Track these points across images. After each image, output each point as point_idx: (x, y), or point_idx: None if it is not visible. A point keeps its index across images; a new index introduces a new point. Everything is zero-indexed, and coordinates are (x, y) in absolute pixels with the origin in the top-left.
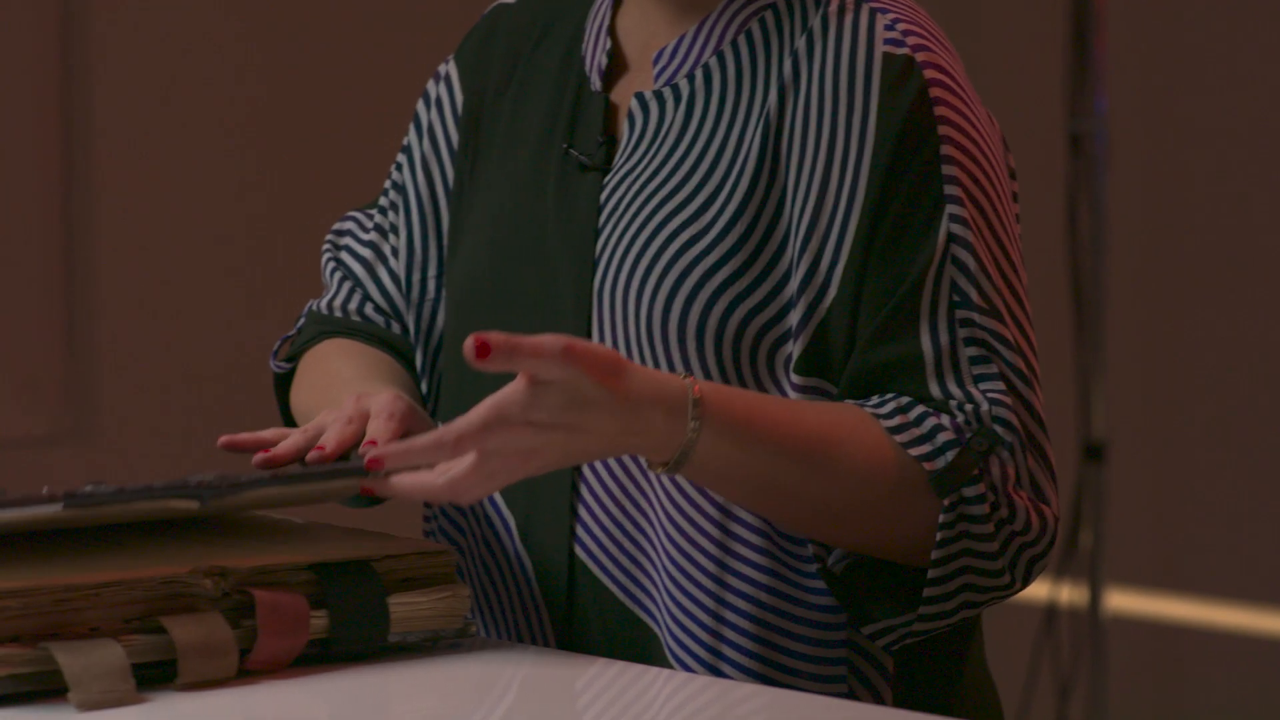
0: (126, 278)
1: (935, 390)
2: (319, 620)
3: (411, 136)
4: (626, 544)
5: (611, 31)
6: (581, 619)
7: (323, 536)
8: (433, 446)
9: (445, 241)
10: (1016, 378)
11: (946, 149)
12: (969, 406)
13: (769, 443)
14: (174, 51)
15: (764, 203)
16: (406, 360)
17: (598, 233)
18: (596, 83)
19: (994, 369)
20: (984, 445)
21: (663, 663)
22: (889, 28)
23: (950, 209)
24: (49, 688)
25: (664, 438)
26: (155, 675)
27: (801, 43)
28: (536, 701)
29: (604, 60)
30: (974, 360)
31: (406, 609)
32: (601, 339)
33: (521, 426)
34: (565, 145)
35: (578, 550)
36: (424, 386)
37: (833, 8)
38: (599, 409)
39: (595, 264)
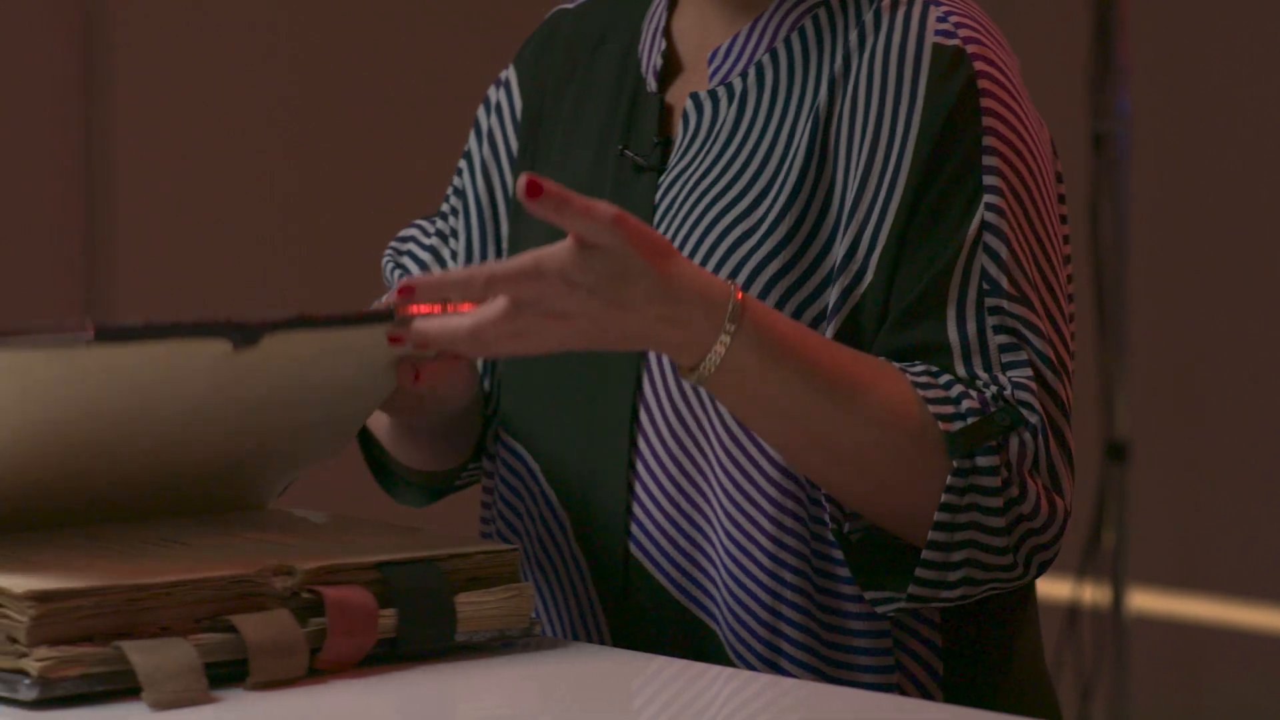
0: (147, 279)
1: (962, 372)
2: (387, 619)
3: (472, 142)
4: (683, 542)
5: (667, 33)
6: (637, 618)
7: (387, 536)
8: (463, 281)
9: (504, 246)
10: (1045, 367)
11: (989, 140)
12: (993, 388)
13: (799, 366)
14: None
15: (812, 196)
16: None
17: None
18: (652, 84)
19: (1023, 356)
20: (1006, 421)
21: (722, 661)
22: (941, 20)
23: (988, 198)
24: (121, 687)
25: (699, 334)
26: (225, 674)
27: (854, 37)
28: (603, 701)
29: (659, 61)
30: (1003, 348)
31: (473, 608)
32: None
33: (559, 283)
34: (621, 147)
35: (633, 549)
36: (486, 384)
37: (885, 3)
38: (642, 285)
39: None
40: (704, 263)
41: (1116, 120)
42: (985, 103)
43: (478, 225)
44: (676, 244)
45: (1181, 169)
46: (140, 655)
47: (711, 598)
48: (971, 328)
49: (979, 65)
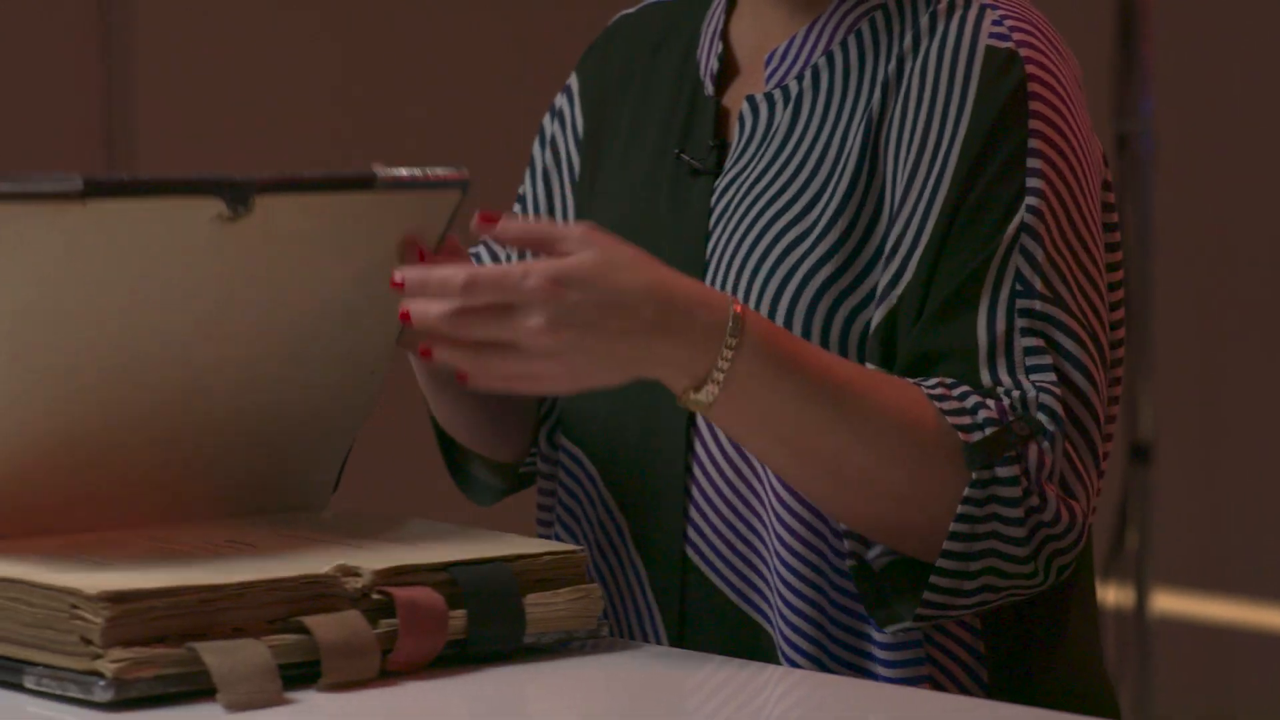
0: None
1: (985, 377)
2: (456, 620)
3: (535, 148)
4: (739, 545)
5: (725, 35)
6: (695, 621)
7: (452, 536)
8: (442, 281)
9: None
10: (1074, 369)
11: (1035, 142)
12: (1016, 394)
13: (807, 380)
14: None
15: (864, 201)
16: None
17: (708, 237)
18: (709, 87)
19: (1048, 360)
20: (1025, 430)
21: (774, 663)
22: (997, 23)
23: (1029, 200)
24: (195, 688)
25: (700, 347)
26: (296, 676)
27: (908, 41)
28: (671, 702)
29: (715, 65)
30: (1029, 350)
31: (542, 610)
32: None
33: (549, 284)
34: (678, 151)
35: (690, 553)
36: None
37: (941, 6)
38: (638, 285)
39: (705, 268)
40: (756, 269)
41: (1140, 120)
42: (1034, 105)
43: None
44: (730, 249)
45: (1205, 169)
46: (215, 656)
47: (766, 599)
48: (1000, 327)
49: (1031, 69)
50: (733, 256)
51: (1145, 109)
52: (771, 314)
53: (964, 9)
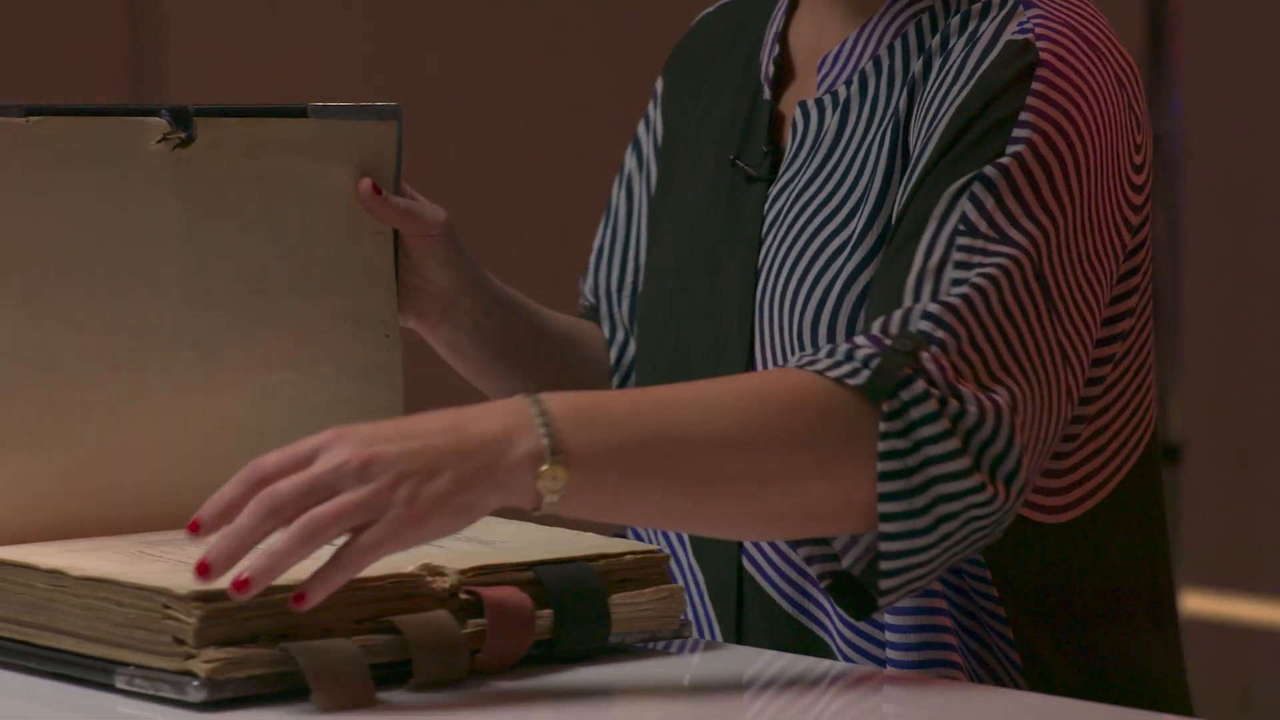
0: None
1: (908, 300)
2: (543, 620)
3: (627, 152)
4: (794, 557)
5: (784, 38)
6: (750, 630)
7: (531, 535)
8: (230, 497)
9: (638, 253)
10: (989, 285)
11: (1027, 115)
12: (896, 314)
13: (633, 410)
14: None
15: (896, 203)
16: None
17: (760, 243)
18: (766, 91)
19: (963, 285)
20: (908, 345)
21: None
22: (1024, 22)
23: (998, 160)
24: (286, 689)
25: (508, 437)
26: (385, 675)
27: (937, 40)
28: (760, 702)
29: (771, 69)
30: (955, 281)
31: (626, 609)
32: (763, 350)
33: (352, 456)
34: (733, 156)
35: (746, 564)
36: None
37: (977, 6)
38: (422, 424)
39: (757, 277)
40: (801, 280)
41: (1170, 120)
42: (1037, 86)
43: (612, 230)
44: (778, 258)
45: (1235, 169)
46: (307, 657)
47: (823, 609)
48: (935, 259)
49: (1044, 55)
50: (781, 265)
51: (1175, 109)
52: (815, 326)
53: (999, 9)
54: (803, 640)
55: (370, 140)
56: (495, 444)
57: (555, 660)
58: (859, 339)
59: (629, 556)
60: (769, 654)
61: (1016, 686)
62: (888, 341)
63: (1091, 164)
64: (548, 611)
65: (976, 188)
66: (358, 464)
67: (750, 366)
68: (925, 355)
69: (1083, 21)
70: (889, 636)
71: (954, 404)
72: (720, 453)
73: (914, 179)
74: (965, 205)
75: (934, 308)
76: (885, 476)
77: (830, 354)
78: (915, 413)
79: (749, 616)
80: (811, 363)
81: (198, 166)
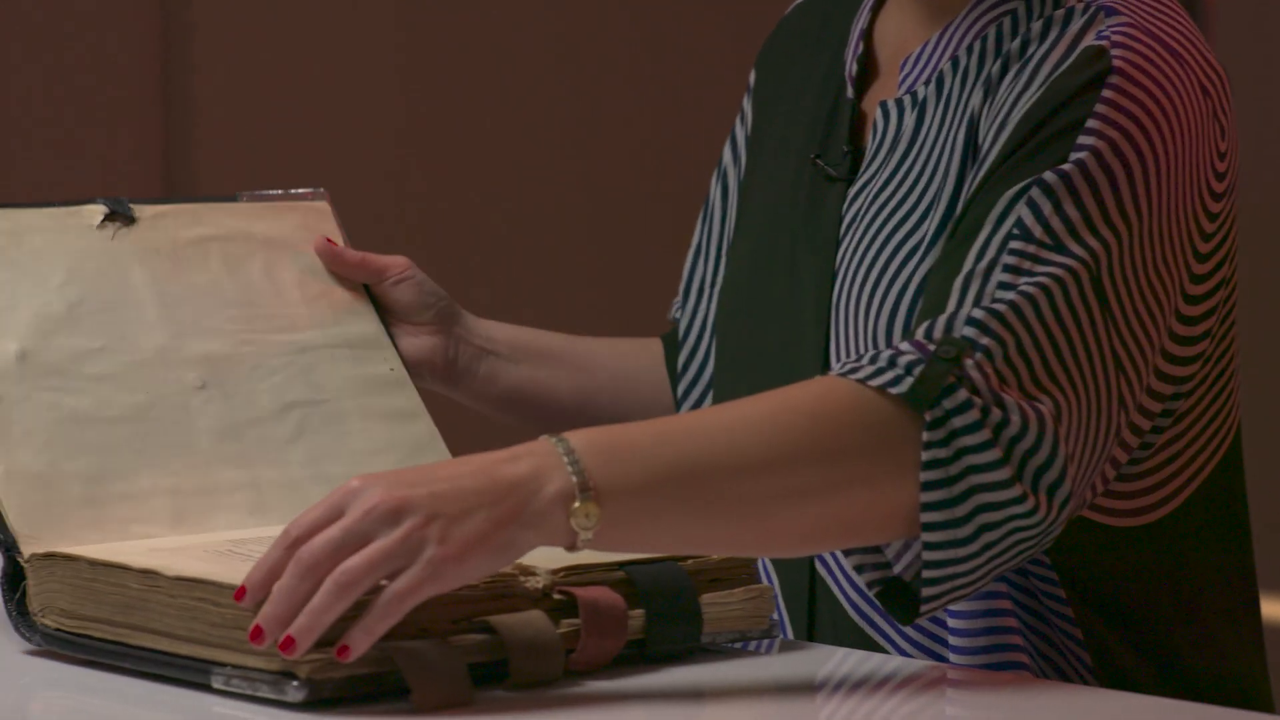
0: None
1: (953, 302)
2: (635, 620)
3: (725, 145)
4: None
5: (869, 36)
6: (821, 635)
7: None
8: (269, 565)
9: (724, 249)
10: (1040, 293)
11: (1094, 123)
12: (941, 318)
13: (665, 439)
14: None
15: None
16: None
17: (838, 244)
18: (849, 90)
19: (1009, 294)
20: (951, 351)
21: None
22: (1102, 30)
23: (1060, 166)
24: (384, 689)
25: (537, 478)
26: (481, 675)
27: (1017, 44)
28: (852, 703)
29: (855, 67)
30: (1002, 285)
31: (717, 609)
32: (838, 352)
33: (383, 504)
34: (815, 156)
35: (819, 568)
36: (680, 388)
37: (1059, 12)
38: (453, 472)
39: (834, 278)
40: (876, 282)
41: None
42: (1108, 94)
43: (707, 231)
44: (855, 259)
45: (1273, 166)
46: (406, 657)
47: (891, 623)
48: (986, 261)
49: (1119, 63)
50: (857, 268)
51: None
52: (889, 330)
53: (1081, 15)
54: (864, 645)
55: (308, 213)
56: (525, 485)
57: (648, 660)
58: (903, 344)
59: (717, 556)
60: (859, 653)
61: (1085, 684)
62: (931, 347)
63: (1164, 172)
64: (639, 611)
65: (1035, 192)
66: (387, 508)
67: (825, 367)
68: (969, 362)
69: (1166, 29)
70: (953, 640)
71: (997, 413)
72: (752, 474)
73: (977, 180)
74: (1022, 209)
75: (979, 313)
76: (927, 486)
77: (873, 360)
78: (958, 421)
79: (820, 619)
80: (854, 370)
81: (145, 238)
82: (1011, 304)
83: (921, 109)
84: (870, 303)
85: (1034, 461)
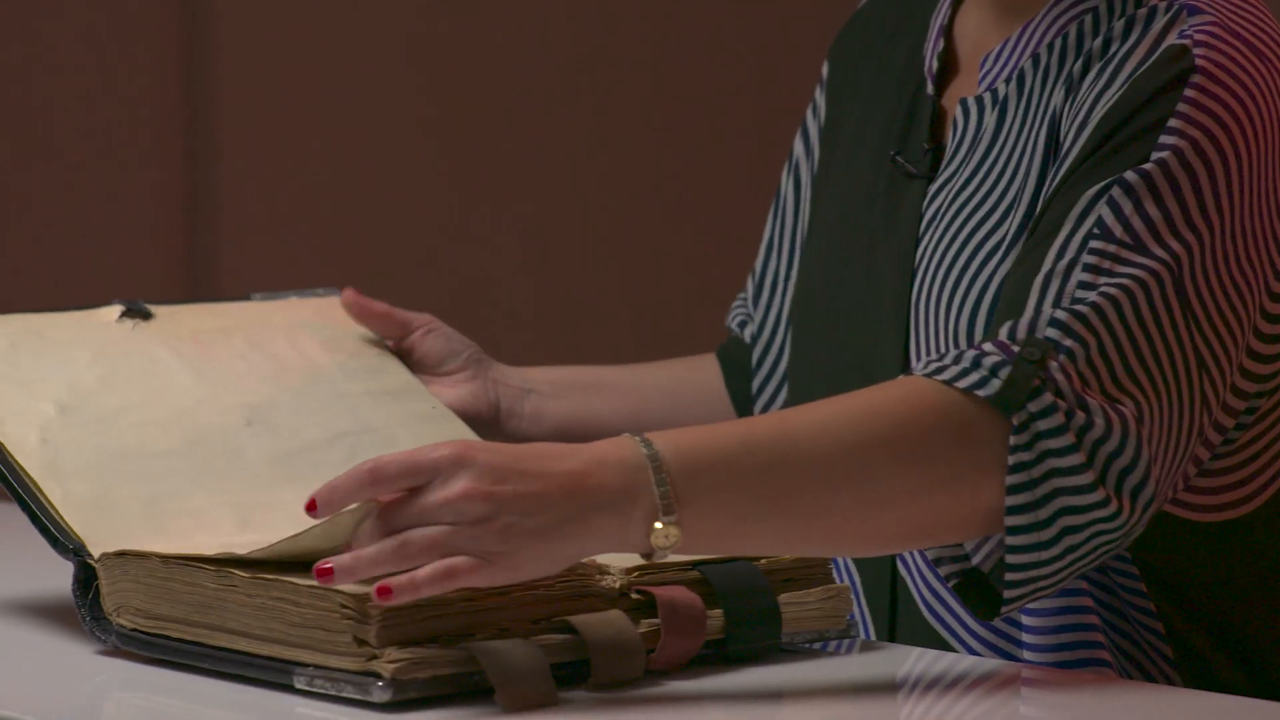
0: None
1: (1032, 301)
2: (714, 620)
3: (796, 138)
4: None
5: (949, 32)
6: (902, 633)
7: None
8: (349, 483)
9: (797, 242)
10: (1122, 294)
11: (1177, 122)
12: (1024, 319)
13: (750, 443)
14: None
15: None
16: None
17: (918, 242)
18: (929, 87)
19: (1090, 295)
20: (1036, 354)
21: None
22: (1185, 29)
23: (1141, 165)
24: (467, 689)
25: (626, 494)
26: (561, 675)
27: (1098, 45)
28: (931, 703)
29: (935, 64)
30: (1082, 285)
31: (795, 609)
32: (917, 350)
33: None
34: (894, 153)
35: (900, 568)
36: (755, 384)
37: (1142, 11)
38: (517, 452)
39: (913, 275)
40: (957, 281)
41: None
42: (1190, 93)
43: (779, 225)
44: (935, 257)
45: None
46: (491, 657)
47: (954, 614)
48: (1065, 260)
49: (1201, 62)
50: (937, 266)
51: None
52: (970, 328)
53: (1164, 14)
54: (937, 644)
55: (323, 304)
56: (613, 503)
57: (726, 661)
58: (986, 345)
59: (791, 556)
60: (935, 653)
61: (1169, 682)
62: (1016, 349)
63: (1246, 171)
64: (718, 611)
65: (1116, 192)
66: (470, 500)
67: (905, 366)
68: (1053, 364)
69: (1250, 28)
70: (1027, 639)
71: (1080, 416)
72: (838, 481)
73: (1058, 179)
74: (1103, 209)
75: (1062, 314)
76: (1012, 489)
77: (957, 360)
78: (1042, 425)
79: (901, 617)
80: (939, 370)
81: (164, 330)
82: (1094, 305)
83: (1003, 107)
84: (951, 301)
85: (1118, 464)
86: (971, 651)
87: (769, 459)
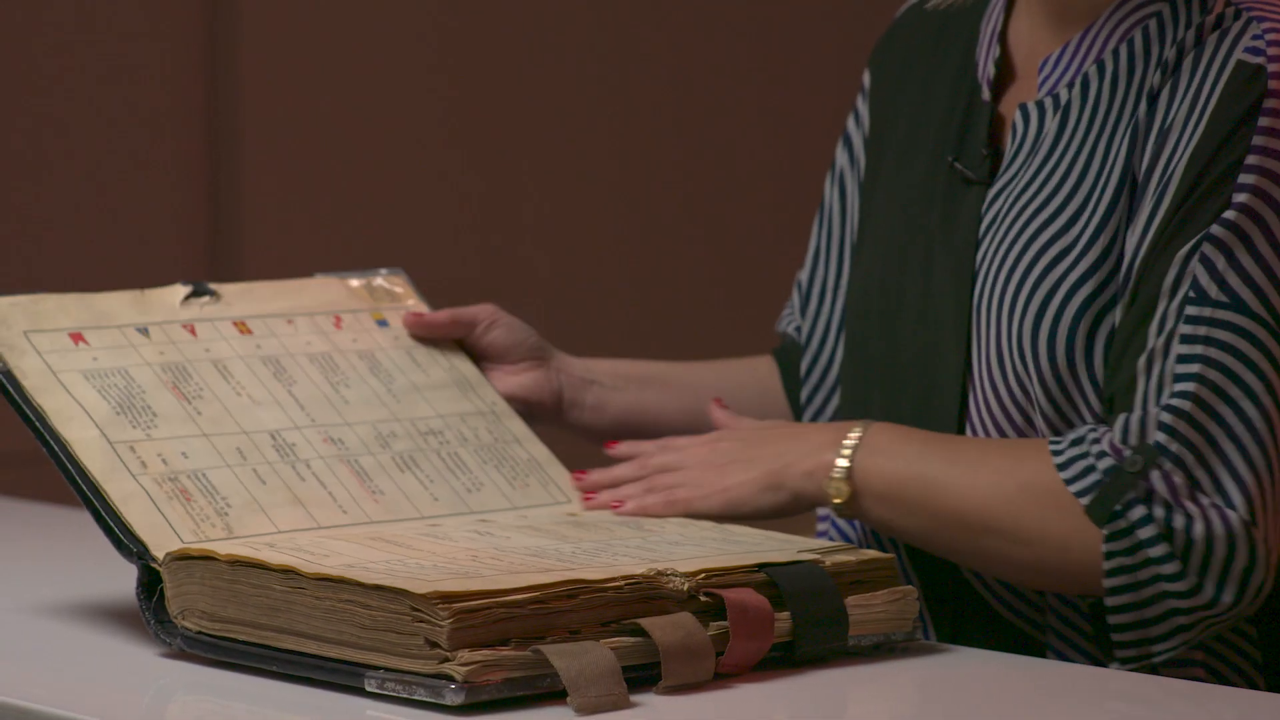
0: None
1: (1141, 385)
2: (781, 623)
3: (838, 147)
4: None
5: (1004, 37)
6: (966, 634)
7: (747, 539)
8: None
9: (845, 252)
10: (1229, 357)
11: (1254, 158)
12: (1136, 415)
13: (924, 442)
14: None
15: (1125, 217)
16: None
17: (977, 246)
18: (985, 92)
19: (1197, 354)
20: (1139, 464)
21: None
22: (1257, 37)
23: (1225, 214)
24: (538, 691)
25: (827, 435)
26: (631, 677)
27: (1171, 54)
28: (999, 705)
29: (991, 70)
30: (1182, 359)
31: (862, 611)
32: (978, 353)
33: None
34: (951, 158)
35: (966, 572)
36: (804, 392)
37: (1210, 19)
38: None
39: (974, 279)
40: (1020, 285)
41: None
42: (1264, 121)
43: (826, 234)
44: (996, 261)
45: None
46: (563, 659)
47: (1039, 609)
48: (1165, 334)
49: (1273, 84)
50: (999, 269)
51: None
52: (1035, 331)
53: (1232, 21)
54: (1021, 644)
55: (384, 287)
56: (826, 447)
57: (794, 663)
58: (1104, 442)
59: (855, 559)
60: (999, 655)
61: (1253, 685)
62: (1126, 452)
63: None
64: (785, 613)
65: (1207, 249)
66: (704, 443)
67: (966, 370)
68: (1155, 474)
69: None
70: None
71: (1180, 523)
72: (963, 518)
73: (1151, 232)
74: (1196, 269)
75: (1167, 417)
76: (1113, 592)
77: (1075, 444)
78: (1141, 534)
79: (967, 621)
80: (1057, 454)
81: (230, 310)
82: (1194, 395)
83: (1065, 112)
84: (1015, 304)
85: (1235, 566)
86: (1061, 656)
87: (933, 473)
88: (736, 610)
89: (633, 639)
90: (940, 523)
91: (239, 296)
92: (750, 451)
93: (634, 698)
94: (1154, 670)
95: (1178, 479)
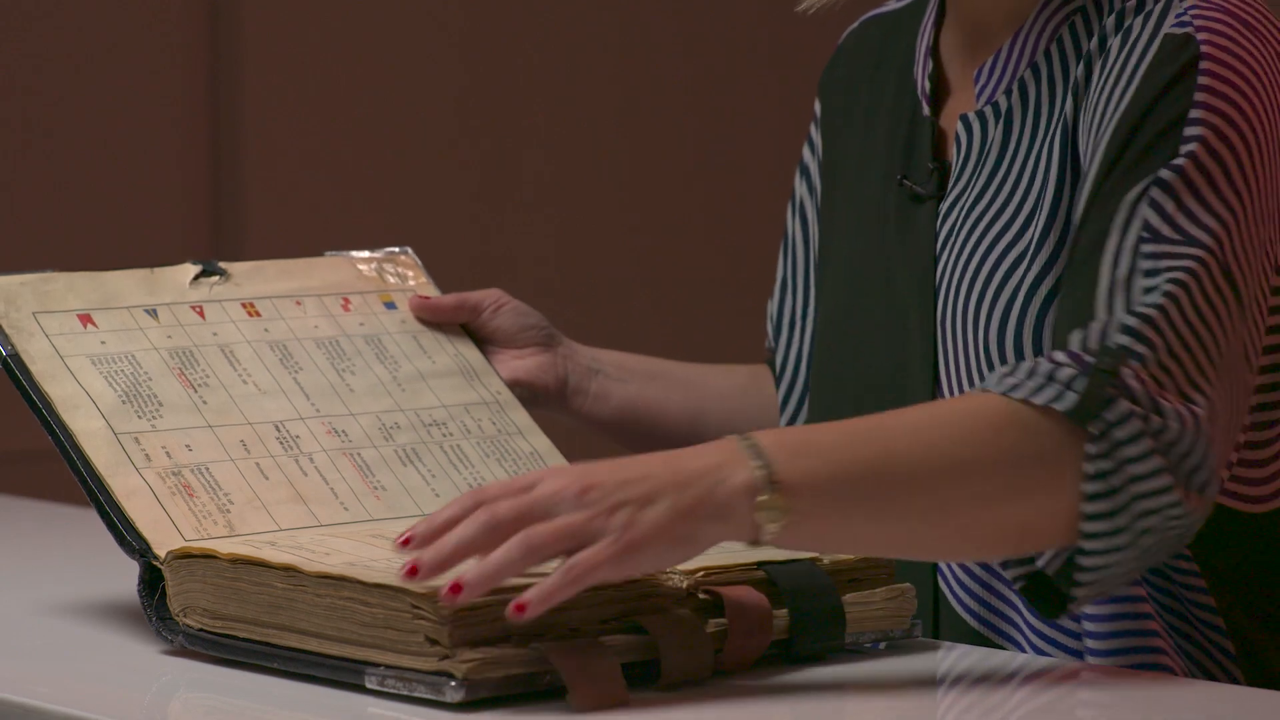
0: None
1: (1101, 314)
2: (779, 620)
3: (796, 178)
4: (983, 576)
5: (935, 52)
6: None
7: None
8: (454, 517)
9: (812, 279)
10: (1180, 290)
11: (1198, 112)
12: (1095, 325)
13: (860, 445)
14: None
15: (1070, 210)
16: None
17: (936, 261)
18: (925, 108)
19: (1157, 284)
20: (1109, 363)
21: None
22: (1180, 14)
23: (1174, 161)
24: (538, 689)
25: (722, 469)
26: (630, 675)
27: (1094, 42)
28: (996, 701)
29: (927, 85)
30: (1146, 289)
31: (859, 609)
32: (947, 367)
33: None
34: (900, 176)
35: (940, 584)
36: (782, 419)
37: (1130, 3)
38: (639, 463)
39: (936, 294)
40: (982, 294)
41: None
42: (1204, 80)
43: (791, 265)
44: (956, 273)
45: None
46: (563, 657)
47: (1010, 621)
48: (1123, 270)
49: (1206, 48)
50: (959, 282)
51: None
52: (1000, 339)
53: (1154, 3)
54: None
55: (391, 268)
56: (711, 474)
57: (791, 661)
58: (1059, 356)
59: (853, 558)
60: (1003, 654)
61: (1231, 678)
62: (1089, 359)
63: (1264, 149)
64: (783, 611)
65: (1155, 192)
66: (576, 490)
67: (936, 383)
68: (1127, 371)
69: (1237, 3)
70: (1089, 644)
71: (1156, 420)
72: (935, 478)
73: (1088, 189)
74: (1146, 211)
75: (1131, 320)
76: (1092, 498)
77: (1030, 374)
78: (1120, 433)
79: (943, 635)
80: (1013, 388)
81: (239, 290)
82: (1159, 307)
83: (1008, 119)
84: (979, 314)
85: (1189, 463)
86: (1039, 652)
87: (869, 451)
88: (735, 608)
89: (632, 636)
90: (895, 502)
91: (248, 276)
92: (647, 515)
93: (633, 695)
94: (1120, 655)
95: (1145, 376)
